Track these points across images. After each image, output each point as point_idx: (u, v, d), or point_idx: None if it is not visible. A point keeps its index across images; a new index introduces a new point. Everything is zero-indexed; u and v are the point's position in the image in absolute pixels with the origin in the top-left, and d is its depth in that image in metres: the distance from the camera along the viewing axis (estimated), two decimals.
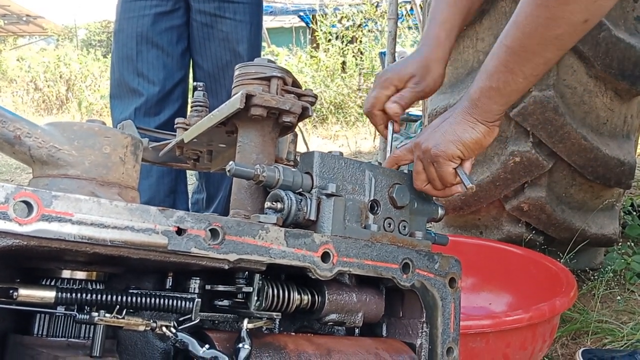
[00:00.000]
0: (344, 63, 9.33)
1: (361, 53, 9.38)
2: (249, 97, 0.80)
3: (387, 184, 0.89)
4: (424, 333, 0.87)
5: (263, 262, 0.69)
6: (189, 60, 2.08)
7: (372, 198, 0.86)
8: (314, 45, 10.04)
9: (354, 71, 9.17)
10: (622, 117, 1.76)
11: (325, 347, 0.76)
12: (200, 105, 1.13)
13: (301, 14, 12.63)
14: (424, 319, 0.87)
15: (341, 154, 0.87)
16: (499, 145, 1.75)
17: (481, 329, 1.22)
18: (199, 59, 2.05)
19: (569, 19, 0.83)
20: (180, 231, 0.62)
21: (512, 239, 1.92)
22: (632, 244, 2.32)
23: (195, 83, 1.16)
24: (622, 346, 1.66)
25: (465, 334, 1.21)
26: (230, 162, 0.75)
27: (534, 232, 1.88)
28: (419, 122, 4.67)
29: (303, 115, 0.85)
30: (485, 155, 1.80)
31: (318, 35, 9.60)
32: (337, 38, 9.52)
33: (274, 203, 0.77)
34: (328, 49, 9.40)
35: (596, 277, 2.05)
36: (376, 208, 0.86)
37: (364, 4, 9.78)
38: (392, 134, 1.15)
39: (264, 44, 9.82)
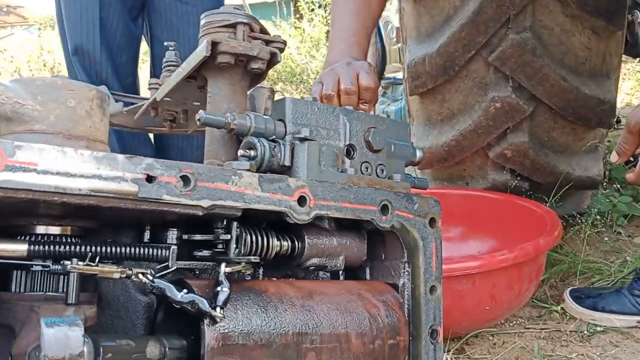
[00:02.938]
0: (328, 32, 9.23)
1: None
2: (214, 44, 0.79)
3: (362, 128, 0.88)
4: (406, 273, 0.88)
5: (238, 207, 0.68)
6: (142, 28, 2.03)
7: (347, 142, 0.86)
8: (297, 16, 9.91)
9: None
10: (600, 56, 1.75)
11: (306, 289, 0.77)
12: (173, 65, 1.12)
13: None
14: (406, 259, 0.88)
15: (315, 99, 0.86)
16: (479, 92, 1.75)
17: (467, 270, 1.23)
18: (159, 32, 1.96)
19: None
20: (150, 178, 0.61)
21: (498, 187, 1.93)
22: (619, 186, 2.33)
23: (166, 43, 1.14)
24: (609, 283, 1.69)
25: (451, 276, 1.22)
26: (200, 111, 0.75)
27: (519, 178, 1.89)
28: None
29: (272, 61, 0.84)
30: (467, 104, 1.79)
31: (301, 6, 9.47)
32: (320, 7, 9.41)
33: (247, 150, 0.76)
34: (312, 18, 9.30)
35: (584, 220, 2.07)
36: (352, 152, 0.86)
37: None
38: None
39: None
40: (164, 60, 1.13)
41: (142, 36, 2.07)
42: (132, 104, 1.30)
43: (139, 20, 2.01)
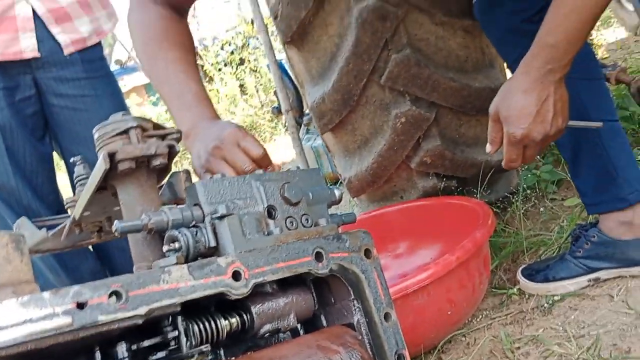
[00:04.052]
0: (242, 86, 9.38)
1: (254, 71, 9.44)
2: (111, 155, 0.81)
3: (277, 187, 0.91)
4: (357, 309, 0.91)
5: (175, 303, 0.70)
6: (51, 145, 2.02)
7: (266, 205, 0.88)
8: (207, 79, 10.02)
9: (255, 89, 9.25)
10: (479, 50, 1.87)
11: (266, 357, 0.78)
12: (84, 178, 1.12)
13: None
14: (353, 297, 0.91)
15: (223, 175, 0.89)
16: (383, 113, 1.83)
17: (418, 284, 1.27)
18: (68, 145, 1.95)
19: None
20: (81, 305, 0.62)
21: (429, 193, 2.00)
22: (539, 157, 2.44)
23: (72, 159, 1.14)
24: (555, 252, 1.76)
25: (406, 294, 1.26)
26: (115, 222, 0.76)
27: (445, 179, 1.97)
28: None
29: (172, 153, 0.87)
30: (375, 127, 1.87)
31: (207, 69, 9.56)
32: (225, 65, 9.54)
33: (170, 244, 0.78)
34: (222, 78, 9.41)
35: (516, 199, 2.16)
36: (273, 213, 0.89)
37: (239, 25, 9.83)
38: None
39: (158, 95, 9.66)
40: (75, 175, 1.13)
41: (54, 152, 2.06)
42: (58, 223, 1.30)
43: (46, 139, 2.00)
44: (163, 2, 1.23)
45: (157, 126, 0.90)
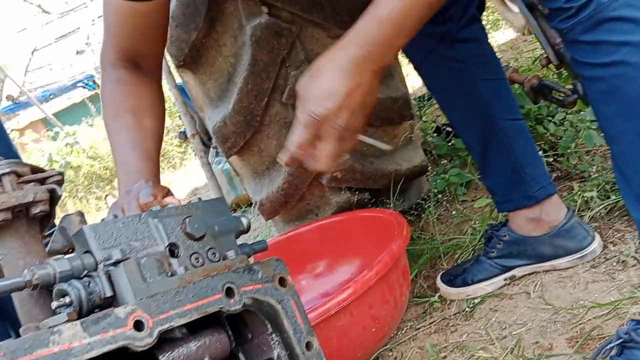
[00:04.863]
0: None
1: None
2: None
3: (177, 222, 0.85)
4: (276, 343, 0.86)
5: None
6: None
7: (167, 243, 0.82)
8: None
9: None
10: None
11: None
12: None
13: (80, 85, 12.12)
14: (271, 330, 0.86)
15: (115, 216, 0.82)
16: (288, 132, 1.79)
17: (339, 305, 1.23)
18: None
19: None
20: None
21: (343, 207, 1.97)
22: (446, 161, 2.49)
23: None
24: (470, 254, 1.78)
25: (328, 317, 1.22)
26: None
27: (357, 192, 1.95)
28: None
29: (53, 198, 0.79)
30: (283, 146, 1.82)
31: None
32: None
33: (60, 300, 0.70)
34: None
35: (429, 204, 2.18)
36: (176, 251, 0.83)
37: None
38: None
39: (56, 129, 9.28)
40: None
41: None
42: None
43: None
44: (123, 65, 1.23)
45: (35, 170, 0.82)
